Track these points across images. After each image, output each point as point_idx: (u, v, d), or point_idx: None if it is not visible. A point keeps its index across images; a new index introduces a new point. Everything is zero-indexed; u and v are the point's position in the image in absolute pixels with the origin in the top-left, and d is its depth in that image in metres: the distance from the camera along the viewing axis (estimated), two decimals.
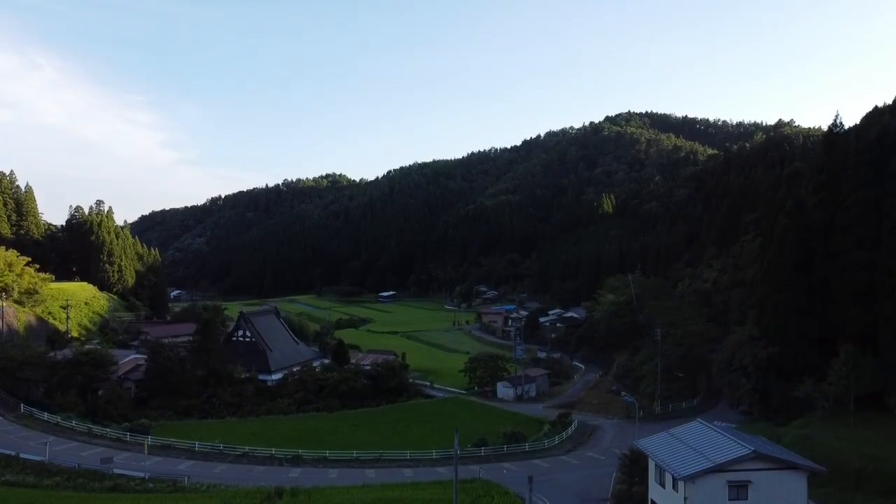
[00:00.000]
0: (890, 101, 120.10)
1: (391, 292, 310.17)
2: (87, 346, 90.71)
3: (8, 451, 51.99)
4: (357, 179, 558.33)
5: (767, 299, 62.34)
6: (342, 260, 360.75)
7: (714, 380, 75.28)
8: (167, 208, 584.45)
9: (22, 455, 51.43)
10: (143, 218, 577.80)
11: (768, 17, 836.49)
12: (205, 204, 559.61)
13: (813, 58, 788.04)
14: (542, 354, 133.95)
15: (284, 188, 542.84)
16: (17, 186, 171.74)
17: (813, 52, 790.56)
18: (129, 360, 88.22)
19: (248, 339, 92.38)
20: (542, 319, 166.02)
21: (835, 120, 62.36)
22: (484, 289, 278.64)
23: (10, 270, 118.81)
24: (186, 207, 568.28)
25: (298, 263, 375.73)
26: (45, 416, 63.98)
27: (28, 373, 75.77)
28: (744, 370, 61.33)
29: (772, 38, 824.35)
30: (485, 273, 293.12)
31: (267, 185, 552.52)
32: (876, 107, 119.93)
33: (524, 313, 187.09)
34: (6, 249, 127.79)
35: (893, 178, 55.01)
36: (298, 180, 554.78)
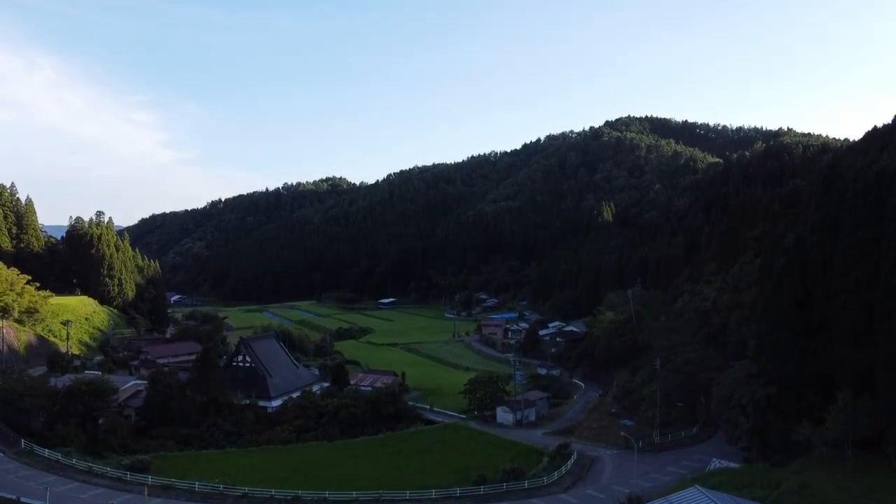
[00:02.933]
0: (889, 120, 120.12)
1: (391, 299, 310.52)
2: (87, 374, 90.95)
3: (9, 495, 52.13)
4: (357, 183, 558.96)
5: (766, 337, 62.51)
6: (342, 265, 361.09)
7: (713, 410, 75.38)
8: (167, 211, 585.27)
9: (23, 499, 51.62)
10: (143, 221, 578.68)
11: (769, 23, 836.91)
12: (205, 207, 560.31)
13: (813, 64, 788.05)
14: (543, 371, 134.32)
15: (284, 192, 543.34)
16: (18, 199, 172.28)
17: (813, 58, 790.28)
18: (130, 386, 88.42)
19: (247, 365, 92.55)
20: (542, 333, 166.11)
21: (832, 164, 62.50)
22: (484, 296, 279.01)
23: (10, 289, 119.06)
24: (186, 211, 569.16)
25: (298, 268, 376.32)
26: (46, 453, 64.10)
27: (29, 402, 75.96)
28: (742, 408, 61.52)
29: (772, 44, 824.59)
30: (485, 280, 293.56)
31: (267, 189, 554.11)
32: (875, 127, 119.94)
33: (524, 325, 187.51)
34: (7, 267, 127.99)
35: (891, 220, 55.07)
36: (298, 184, 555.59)
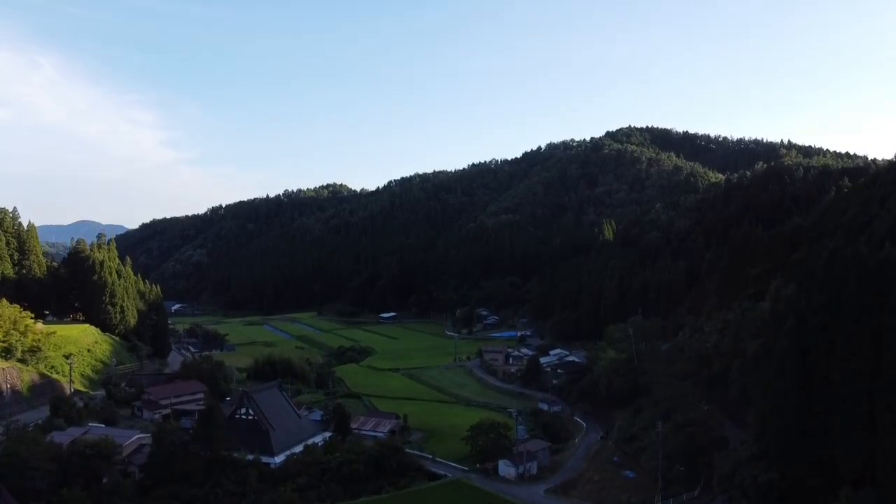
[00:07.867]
0: (890, 157, 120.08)
1: (392, 313, 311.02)
2: (90, 427, 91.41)
3: None
4: (357, 189, 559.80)
5: (768, 419, 62.89)
6: (343, 276, 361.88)
7: (714, 478, 75.66)
8: (168, 216, 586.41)
9: None
10: (143, 226, 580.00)
11: (770, 35, 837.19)
12: (205, 213, 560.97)
13: (814, 76, 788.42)
14: (544, 406, 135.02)
15: (285, 199, 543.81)
16: (20, 224, 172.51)
17: (814, 70, 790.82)
18: (133, 441, 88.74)
19: (250, 418, 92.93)
20: (543, 361, 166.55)
21: (834, 249, 62.89)
22: (485, 313, 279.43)
23: (14, 328, 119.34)
24: (187, 216, 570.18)
25: (299, 279, 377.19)
26: None
27: (34, 464, 76.45)
28: (744, 490, 61.94)
29: (774, 55, 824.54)
30: (485, 295, 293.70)
31: (268, 196, 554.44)
32: (876, 161, 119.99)
33: (525, 352, 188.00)
34: (10, 302, 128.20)
35: (894, 313, 55.45)
36: (299, 190, 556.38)
